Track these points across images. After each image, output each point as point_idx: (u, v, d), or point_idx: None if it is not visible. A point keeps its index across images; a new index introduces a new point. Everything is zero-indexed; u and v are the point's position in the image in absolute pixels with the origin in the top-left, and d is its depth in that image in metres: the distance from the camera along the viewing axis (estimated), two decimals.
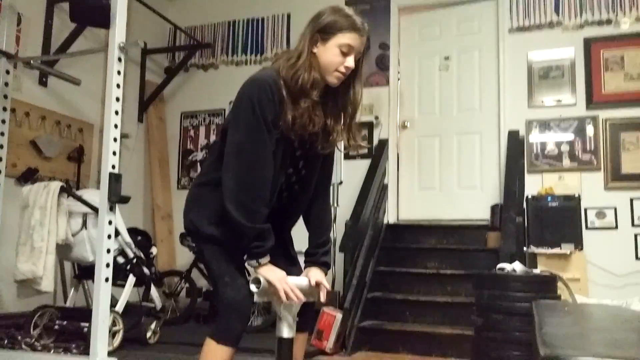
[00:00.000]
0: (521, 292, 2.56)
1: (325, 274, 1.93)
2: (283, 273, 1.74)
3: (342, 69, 1.76)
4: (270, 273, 1.71)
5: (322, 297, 1.86)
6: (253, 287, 1.71)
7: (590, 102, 4.61)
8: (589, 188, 4.49)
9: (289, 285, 1.72)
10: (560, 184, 4.52)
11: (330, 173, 2.03)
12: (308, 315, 1.97)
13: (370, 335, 3.90)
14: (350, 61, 1.76)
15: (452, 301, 4.00)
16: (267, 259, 1.73)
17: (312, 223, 1.99)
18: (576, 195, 4.20)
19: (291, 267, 1.92)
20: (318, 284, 1.85)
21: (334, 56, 1.74)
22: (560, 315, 1.31)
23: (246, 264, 1.76)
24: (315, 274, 1.87)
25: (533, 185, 4.55)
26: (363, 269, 4.13)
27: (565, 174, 4.58)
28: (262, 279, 1.71)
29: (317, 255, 1.93)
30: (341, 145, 1.95)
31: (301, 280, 1.85)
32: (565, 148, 4.63)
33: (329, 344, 3.73)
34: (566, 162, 4.61)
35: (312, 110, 1.74)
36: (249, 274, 1.77)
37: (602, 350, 0.81)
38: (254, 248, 1.70)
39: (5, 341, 3.51)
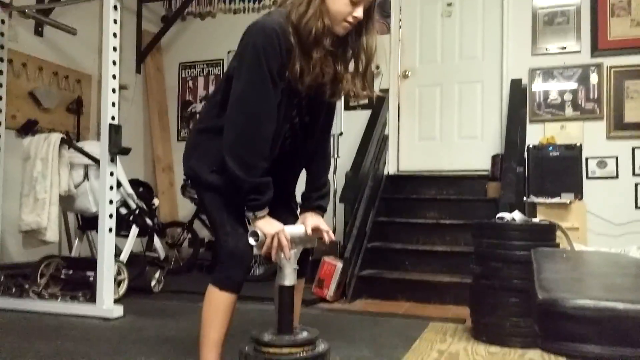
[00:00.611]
0: (520, 241, 2.59)
1: (321, 217, 1.92)
2: (280, 226, 1.73)
3: (350, 19, 1.70)
4: (266, 226, 1.71)
5: (327, 239, 1.86)
6: (251, 241, 1.72)
7: (595, 49, 4.54)
8: (591, 137, 4.47)
9: (282, 240, 1.72)
10: (562, 133, 4.50)
11: (331, 119, 2.00)
12: (305, 262, 1.99)
13: (369, 284, 3.98)
14: (359, 12, 1.69)
15: (451, 250, 4.06)
16: (264, 212, 1.72)
17: (309, 168, 1.98)
18: (578, 145, 4.18)
19: (293, 219, 1.93)
20: (316, 229, 1.86)
21: (343, 5, 1.67)
22: (558, 261, 1.33)
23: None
24: (311, 220, 1.87)
25: (534, 134, 4.53)
26: (363, 220, 4.17)
27: (567, 123, 4.56)
28: (259, 232, 1.72)
29: (312, 200, 1.92)
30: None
31: (298, 229, 1.86)
32: (568, 97, 4.59)
33: (329, 292, 3.80)
34: (569, 111, 4.58)
35: (324, 61, 1.69)
36: (250, 223, 1.78)
37: (599, 293, 0.83)
38: (251, 201, 1.70)
39: (13, 290, 3.59)
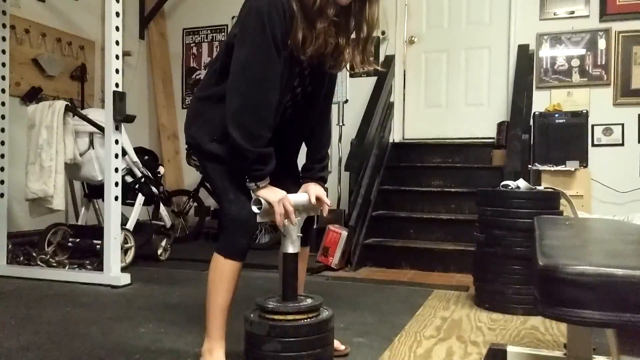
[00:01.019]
0: (523, 209, 2.59)
1: (322, 187, 1.94)
2: (283, 193, 1.74)
3: None
4: (269, 194, 1.72)
5: (325, 212, 1.88)
6: (254, 209, 1.73)
7: (603, 14, 4.45)
8: (598, 104, 4.43)
9: (287, 206, 1.73)
10: (569, 100, 4.45)
11: (333, 89, 1.99)
12: (309, 230, 2.01)
13: (374, 252, 4.01)
14: None
15: (455, 218, 4.07)
16: (266, 181, 1.73)
17: (310, 139, 1.98)
18: (584, 112, 4.14)
19: (296, 189, 1.93)
20: (319, 199, 1.87)
21: None
22: (561, 228, 1.33)
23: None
24: (314, 189, 1.88)
25: (541, 101, 4.49)
26: (368, 188, 4.18)
27: (574, 89, 4.50)
28: (262, 201, 1.72)
29: (314, 171, 1.93)
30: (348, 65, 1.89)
31: (301, 197, 1.87)
32: (575, 63, 4.52)
33: (334, 260, 3.84)
34: (576, 77, 4.52)
35: (327, 31, 1.66)
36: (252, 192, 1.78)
37: (599, 260, 0.83)
38: (254, 171, 1.70)
39: (21, 257, 3.64)
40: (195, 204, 5.17)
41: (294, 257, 1.84)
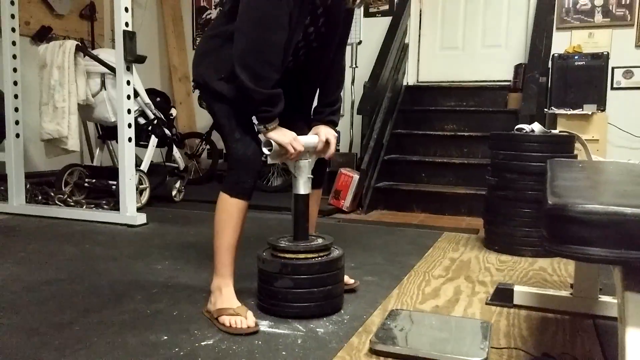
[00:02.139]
0: (537, 152, 2.57)
1: (333, 130, 1.94)
2: (292, 134, 1.75)
3: None
4: (279, 135, 1.72)
5: (328, 156, 1.88)
6: (265, 150, 1.74)
7: None
8: (619, 46, 4.29)
9: (298, 146, 1.74)
10: (590, 41, 4.32)
11: (347, 31, 1.95)
12: (321, 172, 2.02)
13: (385, 195, 4.03)
14: None
15: (467, 162, 4.05)
16: (274, 123, 1.72)
17: (323, 82, 1.96)
18: (605, 54, 4.02)
19: (308, 131, 1.93)
20: (325, 142, 1.87)
21: None
22: (573, 170, 1.33)
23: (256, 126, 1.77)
24: (325, 131, 1.88)
25: (561, 43, 4.36)
26: (380, 132, 4.15)
27: (595, 30, 4.36)
28: (273, 142, 1.73)
29: (325, 114, 1.93)
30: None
31: (311, 139, 1.87)
32: (598, 2, 4.35)
33: (346, 203, 3.87)
34: (598, 17, 4.36)
35: None
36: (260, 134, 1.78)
37: (610, 199, 0.83)
38: (262, 112, 1.69)
39: (39, 197, 3.72)
40: (208, 146, 5.19)
41: (305, 198, 1.87)
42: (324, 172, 2.09)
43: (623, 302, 0.79)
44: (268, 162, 1.77)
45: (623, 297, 0.79)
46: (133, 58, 3.08)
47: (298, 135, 1.77)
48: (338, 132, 1.96)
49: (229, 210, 1.76)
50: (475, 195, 3.69)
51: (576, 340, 1.64)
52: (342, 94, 2.05)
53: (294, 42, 1.74)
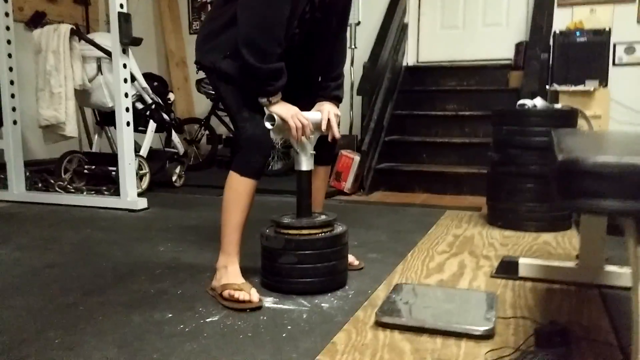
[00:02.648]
0: (540, 127, 2.55)
1: (337, 107, 1.92)
2: (295, 109, 1.74)
3: None
4: (282, 109, 1.72)
5: (330, 137, 1.86)
6: (267, 125, 1.72)
7: None
8: (621, 22, 4.25)
9: (302, 119, 1.72)
10: (591, 17, 4.27)
11: (349, 7, 1.93)
12: (327, 149, 2.00)
13: (387, 176, 4.01)
14: None
15: (469, 142, 4.03)
16: (277, 97, 1.71)
17: (327, 57, 1.94)
18: (606, 29, 3.98)
19: (312, 107, 1.91)
20: (327, 123, 1.85)
21: None
22: (579, 136, 1.31)
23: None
24: (328, 108, 1.87)
25: (562, 20, 4.31)
26: (381, 113, 4.12)
27: (597, 6, 4.31)
28: (275, 116, 1.71)
29: (329, 89, 1.91)
30: None
31: (314, 115, 1.85)
32: None
33: (347, 184, 3.85)
34: None
35: None
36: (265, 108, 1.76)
37: (619, 152, 0.81)
38: (264, 86, 1.68)
39: (39, 184, 3.70)
40: (207, 132, 5.17)
41: (308, 174, 1.85)
42: (333, 149, 2.06)
43: (636, 257, 0.78)
44: (271, 137, 1.75)
45: (635, 252, 0.77)
46: (129, 40, 3.05)
47: (302, 111, 1.76)
48: (338, 116, 1.92)
49: (238, 190, 1.75)
50: (477, 174, 3.67)
51: (583, 309, 1.63)
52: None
53: (299, 13, 1.72)
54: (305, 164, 1.84)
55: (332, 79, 1.93)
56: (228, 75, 1.75)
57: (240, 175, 1.74)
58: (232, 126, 5.13)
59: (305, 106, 1.85)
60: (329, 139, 1.88)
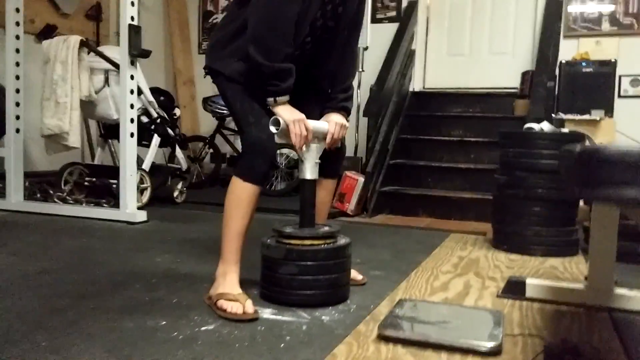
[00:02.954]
0: (547, 149, 2.52)
1: (347, 120, 1.89)
2: (301, 115, 1.70)
3: None
4: (286, 112, 1.69)
5: (328, 138, 1.82)
6: (272, 129, 1.69)
7: None
8: (627, 54, 4.26)
9: (305, 126, 1.69)
10: (597, 49, 4.29)
11: (361, 19, 1.94)
12: (334, 161, 1.97)
13: (391, 199, 3.97)
14: None
15: (474, 167, 4.00)
16: (284, 98, 1.69)
17: (336, 68, 1.92)
18: (612, 61, 3.99)
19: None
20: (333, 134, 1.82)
21: None
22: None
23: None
24: (335, 119, 1.84)
25: (568, 50, 4.33)
26: (386, 136, 4.11)
27: (603, 39, 4.33)
28: (281, 120, 1.68)
29: (337, 100, 1.89)
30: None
31: (321, 125, 1.82)
32: (605, 10, 4.33)
33: (350, 206, 3.81)
34: (605, 26, 4.34)
35: None
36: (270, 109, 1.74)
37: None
38: (271, 86, 1.66)
39: (38, 195, 3.66)
40: (211, 150, 5.15)
41: (312, 183, 1.81)
42: (340, 161, 2.03)
43: None
44: (275, 141, 1.72)
45: None
46: (137, 52, 3.05)
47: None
48: (345, 128, 1.89)
49: (240, 195, 1.70)
50: (482, 200, 3.62)
51: (593, 331, 1.57)
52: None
53: (310, 19, 1.71)
54: (310, 172, 1.80)
55: (341, 91, 1.91)
56: (236, 78, 1.73)
57: (243, 180, 1.70)
58: (236, 144, 5.09)
59: (314, 117, 1.82)
60: (326, 146, 1.84)
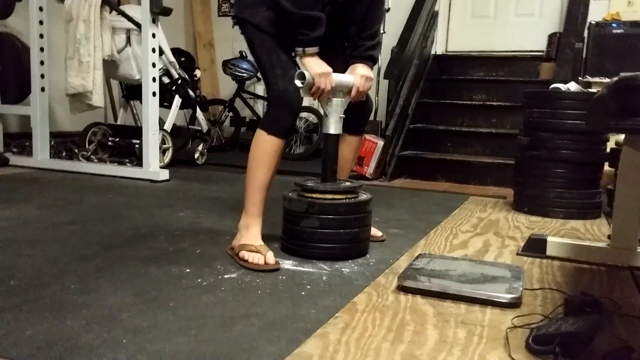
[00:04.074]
0: (573, 110, 2.47)
1: (371, 69, 1.86)
2: (329, 69, 1.69)
3: None
4: (314, 65, 1.66)
5: (353, 92, 1.80)
6: (298, 83, 1.67)
7: None
8: None
9: (329, 84, 1.68)
10: (629, 9, 4.14)
11: None
12: (360, 116, 1.95)
13: (410, 164, 3.95)
14: None
15: (496, 132, 3.95)
16: (313, 49, 1.66)
17: (363, 16, 1.87)
18: None
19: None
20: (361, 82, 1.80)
21: None
22: None
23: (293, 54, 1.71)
24: (360, 71, 1.82)
25: (598, 11, 4.19)
26: (407, 100, 4.05)
27: None
28: (307, 74, 1.67)
29: (364, 48, 1.84)
30: None
31: (346, 78, 1.80)
32: None
33: (369, 169, 3.80)
34: None
35: None
36: (298, 60, 1.71)
37: None
38: (300, 35, 1.64)
39: (64, 153, 3.72)
40: (231, 114, 5.15)
41: (335, 138, 1.81)
42: (366, 118, 2.01)
43: None
44: (301, 95, 1.71)
45: None
46: (159, 10, 3.04)
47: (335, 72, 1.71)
48: (370, 80, 1.86)
49: (264, 148, 1.71)
50: (502, 164, 3.58)
51: (614, 287, 1.57)
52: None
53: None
54: (333, 127, 1.79)
55: (368, 37, 1.86)
56: (266, 25, 1.70)
57: (267, 133, 1.71)
58: (255, 108, 5.08)
59: (339, 68, 1.80)
60: (351, 99, 1.83)
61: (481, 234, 2.19)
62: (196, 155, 4.09)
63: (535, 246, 1.85)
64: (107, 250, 1.76)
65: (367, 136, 3.91)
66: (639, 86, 0.69)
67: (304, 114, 4.71)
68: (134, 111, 4.19)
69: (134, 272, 1.54)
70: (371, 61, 1.85)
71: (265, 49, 1.72)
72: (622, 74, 3.13)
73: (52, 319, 1.19)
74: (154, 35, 3.09)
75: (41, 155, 3.52)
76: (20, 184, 2.97)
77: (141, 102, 3.29)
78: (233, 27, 1.86)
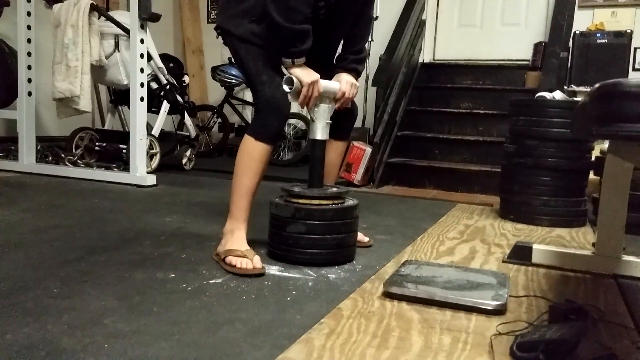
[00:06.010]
0: (558, 118, 2.50)
1: (356, 80, 1.89)
2: (317, 76, 1.71)
3: None
4: (303, 73, 1.69)
5: (339, 97, 1.81)
6: (285, 88, 1.69)
7: None
8: None
9: (316, 91, 1.69)
10: (612, 20, 4.22)
11: None
12: (346, 123, 1.97)
13: (397, 171, 3.96)
14: None
15: (482, 140, 3.98)
16: (301, 60, 1.69)
17: (349, 32, 1.90)
18: (628, 32, 3.92)
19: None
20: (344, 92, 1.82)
21: None
22: None
23: (282, 63, 1.72)
24: (346, 78, 1.84)
25: (583, 21, 4.26)
26: (394, 107, 4.08)
27: (619, 9, 4.26)
28: (295, 80, 1.68)
29: (348, 61, 1.88)
30: None
31: (332, 84, 1.82)
32: None
33: (357, 176, 3.81)
34: None
35: None
36: (286, 69, 1.73)
37: None
38: (290, 47, 1.66)
39: (50, 158, 3.69)
40: (220, 119, 5.15)
41: (322, 143, 1.81)
42: (352, 124, 2.03)
43: None
44: (288, 100, 1.72)
45: None
46: (147, 15, 3.04)
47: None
48: (356, 87, 1.89)
49: (251, 153, 1.71)
50: (489, 172, 3.61)
51: (599, 295, 1.58)
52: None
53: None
54: (320, 132, 1.80)
55: (352, 52, 1.90)
56: (250, 37, 1.72)
57: (255, 139, 1.71)
58: (244, 114, 5.07)
59: (324, 76, 1.82)
60: (336, 106, 1.84)
61: (467, 241, 2.20)
62: (184, 161, 4.08)
63: (521, 253, 1.86)
64: (92, 254, 1.74)
65: (356, 143, 3.92)
66: (620, 92, 0.70)
67: (292, 121, 4.71)
68: (122, 116, 4.17)
69: (118, 277, 1.53)
70: (355, 73, 1.88)
71: (250, 57, 1.74)
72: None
73: (33, 323, 1.18)
74: (142, 41, 3.08)
75: (27, 159, 3.49)
76: (6, 188, 2.94)
77: (129, 108, 3.27)
78: (217, 38, 1.87)
